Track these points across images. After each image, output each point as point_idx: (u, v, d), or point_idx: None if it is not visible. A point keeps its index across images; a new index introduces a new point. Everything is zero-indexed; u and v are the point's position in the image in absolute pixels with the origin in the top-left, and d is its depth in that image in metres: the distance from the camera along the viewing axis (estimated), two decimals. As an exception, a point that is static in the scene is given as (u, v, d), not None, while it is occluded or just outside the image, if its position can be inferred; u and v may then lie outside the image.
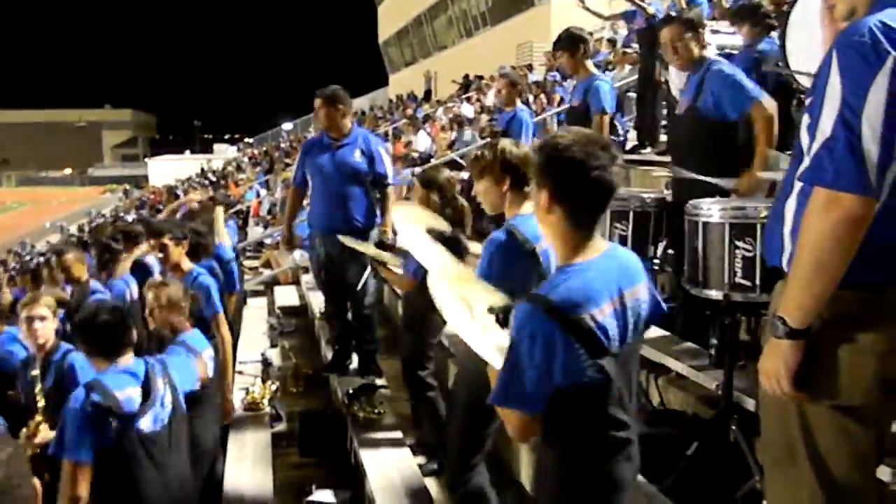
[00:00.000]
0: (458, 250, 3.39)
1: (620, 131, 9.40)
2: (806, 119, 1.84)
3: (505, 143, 2.97)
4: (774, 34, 5.40)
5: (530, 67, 18.55)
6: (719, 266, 3.24)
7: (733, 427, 3.26)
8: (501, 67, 17.19)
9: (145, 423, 3.14)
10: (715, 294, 3.28)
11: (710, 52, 4.37)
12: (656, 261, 4.09)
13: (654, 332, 4.40)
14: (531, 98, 13.28)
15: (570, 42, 5.58)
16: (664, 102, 7.92)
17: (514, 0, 27.63)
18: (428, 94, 32.23)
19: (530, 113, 8.94)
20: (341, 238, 4.83)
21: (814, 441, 1.86)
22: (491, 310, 2.14)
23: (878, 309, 1.77)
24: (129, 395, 3.11)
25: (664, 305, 2.20)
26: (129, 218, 22.73)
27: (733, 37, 6.03)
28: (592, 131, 2.08)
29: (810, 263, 1.73)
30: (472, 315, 2.13)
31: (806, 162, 1.73)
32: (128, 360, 3.22)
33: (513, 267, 2.72)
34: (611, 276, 2.02)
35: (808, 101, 1.87)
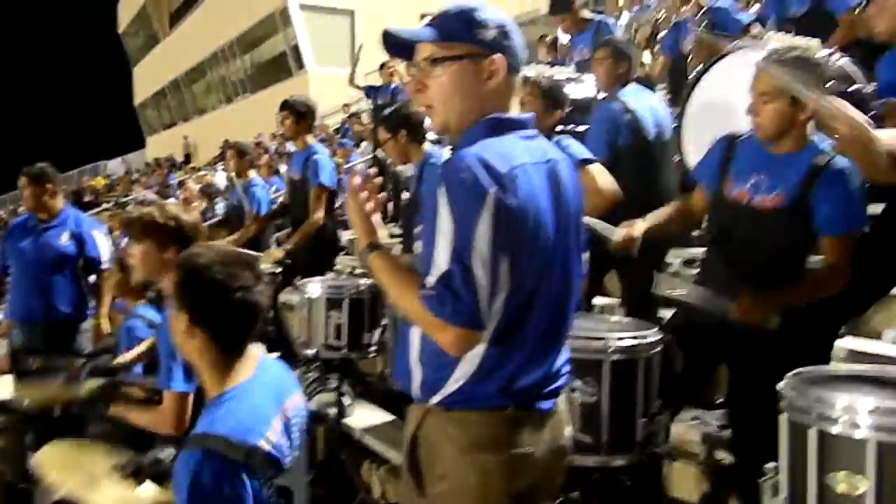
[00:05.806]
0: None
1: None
2: (418, 246, 1.89)
3: (173, 207, 2.77)
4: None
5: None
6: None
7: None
8: (259, 135, 16.99)
9: None
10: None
11: (426, 145, 4.48)
12: (373, 348, 4.06)
13: (382, 417, 4.36)
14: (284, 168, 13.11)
15: (296, 108, 5.36)
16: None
17: (273, 69, 27.71)
18: (188, 157, 31.00)
19: (267, 184, 8.78)
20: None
21: None
22: (116, 467, 2.03)
23: (502, 429, 1.78)
24: None
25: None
26: None
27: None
28: (235, 249, 1.98)
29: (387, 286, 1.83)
30: (95, 483, 2.01)
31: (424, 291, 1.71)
32: None
33: None
34: (271, 391, 1.92)
35: (418, 229, 1.91)
